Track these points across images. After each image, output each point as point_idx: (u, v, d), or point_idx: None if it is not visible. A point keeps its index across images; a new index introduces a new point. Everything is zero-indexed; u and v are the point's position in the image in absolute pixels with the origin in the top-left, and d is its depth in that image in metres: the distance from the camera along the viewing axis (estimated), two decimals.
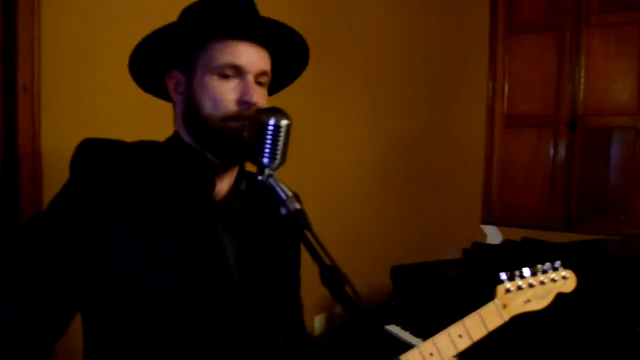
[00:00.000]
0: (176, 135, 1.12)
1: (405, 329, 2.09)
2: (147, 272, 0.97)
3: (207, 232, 1.05)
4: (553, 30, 3.28)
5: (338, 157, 2.93)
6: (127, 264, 0.97)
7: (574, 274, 1.21)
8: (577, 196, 3.24)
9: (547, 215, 3.33)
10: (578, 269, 1.22)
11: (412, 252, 2.98)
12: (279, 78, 1.19)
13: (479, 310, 1.11)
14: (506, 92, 3.48)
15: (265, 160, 0.94)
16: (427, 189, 3.55)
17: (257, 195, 1.13)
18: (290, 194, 0.90)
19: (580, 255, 2.03)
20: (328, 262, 0.84)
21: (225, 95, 1.03)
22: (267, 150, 0.94)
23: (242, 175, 1.15)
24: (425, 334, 2.00)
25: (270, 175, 0.93)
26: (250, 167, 1.03)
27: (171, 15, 1.11)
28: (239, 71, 1.04)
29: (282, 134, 0.95)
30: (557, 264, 1.20)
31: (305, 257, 0.94)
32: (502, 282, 1.13)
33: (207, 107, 1.03)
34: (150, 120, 1.66)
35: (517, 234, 2.47)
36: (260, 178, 0.94)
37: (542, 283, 1.17)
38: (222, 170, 1.10)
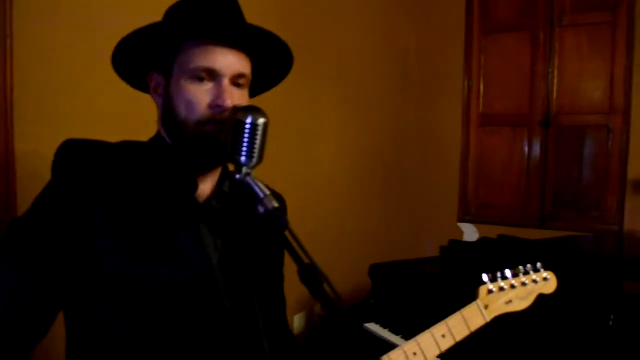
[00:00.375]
0: (158, 135, 1.11)
1: (384, 326, 2.10)
2: (130, 273, 0.96)
3: (189, 233, 1.04)
4: (527, 30, 3.32)
5: (317, 157, 2.94)
6: (111, 265, 0.96)
7: (555, 275, 1.22)
8: (551, 193, 3.29)
9: (522, 212, 3.38)
10: (553, 265, 1.24)
11: (391, 250, 3.00)
12: (262, 82, 1.18)
13: (461, 310, 1.11)
14: (481, 91, 3.51)
15: (243, 159, 0.94)
16: (405, 187, 3.58)
17: (239, 194, 1.12)
18: (268, 193, 0.91)
19: (555, 252, 2.07)
20: (306, 260, 0.84)
21: (198, 98, 1.01)
22: (245, 149, 0.94)
23: (225, 175, 1.15)
24: (404, 331, 2.02)
25: (247, 174, 0.94)
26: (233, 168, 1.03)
27: (149, 15, 1.09)
28: (213, 74, 1.02)
29: (259, 133, 0.95)
30: (538, 265, 1.22)
31: (286, 255, 0.94)
32: (484, 283, 1.14)
33: (182, 110, 1.02)
34: (127, 120, 1.65)
35: (493, 231, 2.50)
36: (237, 177, 0.94)
37: (524, 284, 1.18)
38: (204, 171, 1.09)
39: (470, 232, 3.47)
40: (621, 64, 3.06)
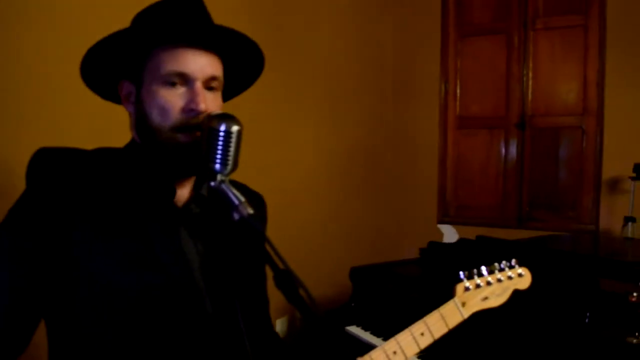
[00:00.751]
0: (133, 141, 1.10)
1: (365, 329, 2.11)
2: (110, 280, 0.96)
3: (169, 238, 1.04)
4: (501, 33, 3.37)
5: (295, 160, 2.94)
6: (91, 273, 0.95)
7: (529, 271, 1.24)
8: (527, 194, 3.34)
9: (500, 213, 3.42)
10: (531, 265, 1.26)
11: (372, 253, 3.01)
12: (235, 83, 1.18)
13: (439, 309, 1.13)
14: (458, 94, 3.56)
15: (217, 166, 0.95)
16: (384, 190, 3.59)
17: (215, 201, 1.12)
18: (243, 200, 0.91)
19: (533, 251, 2.10)
20: (281, 266, 0.84)
21: (171, 103, 1.00)
22: (219, 156, 0.95)
23: (201, 179, 1.14)
24: (385, 334, 2.02)
25: (222, 181, 0.94)
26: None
27: (126, 20, 1.09)
28: (185, 78, 1.01)
29: (233, 140, 0.96)
30: (513, 261, 1.23)
31: None
32: (460, 280, 1.16)
33: (155, 116, 1.01)
34: (103, 126, 1.63)
35: (471, 232, 2.53)
36: (212, 184, 0.94)
37: (499, 280, 1.19)
38: (182, 177, 1.08)
39: (449, 234, 3.51)
40: (594, 67, 3.12)
